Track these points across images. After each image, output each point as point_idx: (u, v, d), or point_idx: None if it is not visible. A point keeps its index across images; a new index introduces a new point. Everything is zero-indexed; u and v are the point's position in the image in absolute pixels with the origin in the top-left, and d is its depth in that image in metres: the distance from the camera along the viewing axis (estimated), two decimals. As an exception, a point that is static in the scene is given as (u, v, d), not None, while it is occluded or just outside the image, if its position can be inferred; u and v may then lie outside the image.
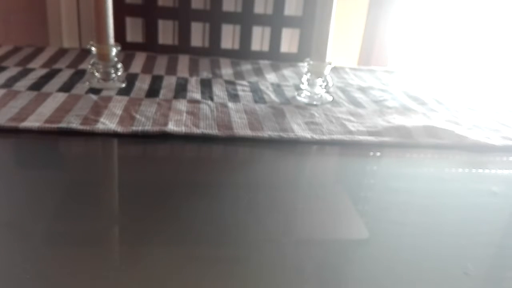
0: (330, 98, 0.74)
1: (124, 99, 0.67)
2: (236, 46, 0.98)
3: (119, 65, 0.71)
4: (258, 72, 0.87)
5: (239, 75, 0.84)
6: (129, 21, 0.92)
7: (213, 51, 0.94)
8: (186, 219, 0.41)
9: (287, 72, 0.89)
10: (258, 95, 0.74)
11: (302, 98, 0.73)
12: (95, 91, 0.69)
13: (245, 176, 0.52)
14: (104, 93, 0.68)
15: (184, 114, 0.63)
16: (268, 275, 0.37)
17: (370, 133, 0.62)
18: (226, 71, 0.86)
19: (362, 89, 0.82)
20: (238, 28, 0.96)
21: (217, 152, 0.57)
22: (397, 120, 0.68)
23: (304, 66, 0.74)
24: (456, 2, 1.17)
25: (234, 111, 0.66)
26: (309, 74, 0.73)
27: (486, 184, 0.54)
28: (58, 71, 0.77)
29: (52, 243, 0.36)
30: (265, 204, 0.45)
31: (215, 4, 0.92)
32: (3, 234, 0.37)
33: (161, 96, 0.69)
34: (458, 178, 0.55)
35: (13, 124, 0.55)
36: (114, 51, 0.70)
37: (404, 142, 0.61)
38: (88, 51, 0.73)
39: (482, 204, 0.50)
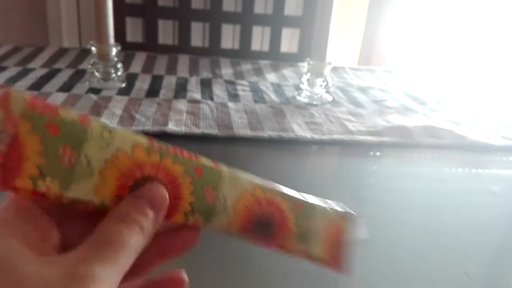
0: (330, 98, 0.74)
1: (124, 99, 0.66)
2: (236, 46, 0.98)
3: (119, 65, 0.71)
4: (258, 72, 0.87)
5: (239, 75, 0.84)
6: (129, 21, 0.92)
7: (213, 51, 0.94)
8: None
9: (287, 72, 0.89)
10: (258, 95, 0.74)
11: (302, 98, 0.73)
12: (95, 91, 0.69)
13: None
14: (104, 93, 0.68)
15: (184, 114, 0.63)
16: (268, 275, 0.37)
17: (370, 133, 0.62)
18: (226, 71, 0.86)
19: (362, 89, 0.82)
20: (238, 28, 0.96)
21: (217, 152, 0.57)
22: (397, 120, 0.68)
23: (304, 66, 0.74)
24: (456, 2, 1.17)
25: (234, 111, 0.66)
26: (309, 74, 0.73)
27: (486, 184, 0.54)
28: (58, 71, 0.77)
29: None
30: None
31: (215, 4, 0.92)
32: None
33: (161, 96, 0.69)
34: (458, 178, 0.55)
35: (13, 124, 0.55)
36: (114, 51, 0.70)
37: (404, 142, 0.61)
38: (88, 51, 0.73)
39: (482, 204, 0.50)
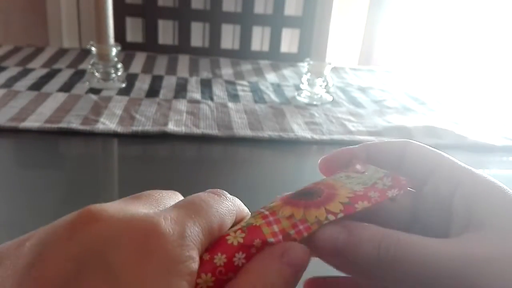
0: (330, 98, 0.74)
1: (124, 99, 0.66)
2: (236, 46, 0.98)
3: (119, 65, 0.71)
4: (258, 72, 0.87)
5: (239, 75, 0.84)
6: (129, 21, 0.92)
7: (213, 51, 0.94)
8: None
9: (287, 72, 0.89)
10: (258, 95, 0.74)
11: (302, 98, 0.73)
12: (95, 91, 0.69)
13: (245, 176, 0.52)
14: (104, 93, 0.68)
15: (184, 114, 0.63)
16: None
17: (370, 133, 0.62)
18: (226, 71, 0.86)
19: (362, 89, 0.82)
20: (238, 28, 0.96)
21: (217, 152, 0.57)
22: (397, 120, 0.68)
23: (304, 66, 0.74)
24: (456, 2, 1.17)
25: (234, 111, 0.66)
26: (309, 74, 0.73)
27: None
28: (58, 71, 0.77)
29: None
30: (265, 204, 0.45)
31: (215, 4, 0.92)
32: (4, 234, 0.37)
33: (161, 96, 0.69)
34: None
35: (13, 124, 0.55)
36: (114, 51, 0.70)
37: (404, 142, 0.61)
38: (88, 51, 0.73)
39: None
